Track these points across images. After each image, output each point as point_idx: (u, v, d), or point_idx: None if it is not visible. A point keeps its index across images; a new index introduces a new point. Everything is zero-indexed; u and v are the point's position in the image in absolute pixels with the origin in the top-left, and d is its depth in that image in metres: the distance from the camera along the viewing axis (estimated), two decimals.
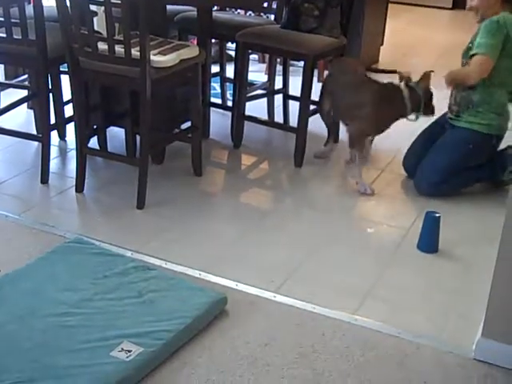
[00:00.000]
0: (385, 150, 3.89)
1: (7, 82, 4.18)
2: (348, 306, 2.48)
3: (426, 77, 3.39)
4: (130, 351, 2.08)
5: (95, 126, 3.58)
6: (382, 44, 5.73)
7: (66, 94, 3.62)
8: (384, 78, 3.76)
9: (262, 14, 4.52)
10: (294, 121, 3.87)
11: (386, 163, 3.75)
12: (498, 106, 3.32)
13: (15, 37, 3.05)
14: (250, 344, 2.27)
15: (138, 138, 3.46)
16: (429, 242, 2.88)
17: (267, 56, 4.92)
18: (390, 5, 5.77)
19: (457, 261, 2.84)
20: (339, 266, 2.78)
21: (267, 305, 2.48)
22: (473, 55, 3.21)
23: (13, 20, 3.02)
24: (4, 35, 3.07)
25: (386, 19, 5.69)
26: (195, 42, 3.99)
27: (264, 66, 5.22)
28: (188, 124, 3.54)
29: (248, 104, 3.82)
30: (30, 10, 3.04)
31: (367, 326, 2.38)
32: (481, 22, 3.25)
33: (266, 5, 4.30)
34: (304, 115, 3.59)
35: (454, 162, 3.34)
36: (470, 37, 3.34)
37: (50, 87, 3.42)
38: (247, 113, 3.81)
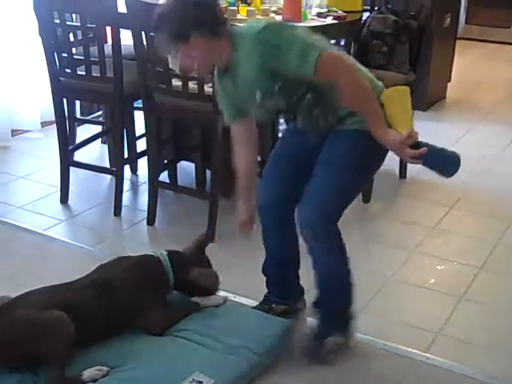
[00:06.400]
0: (453, 186, 3.83)
1: (83, 117, 4.33)
2: (419, 344, 2.44)
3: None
4: (201, 382, 2.10)
5: (166, 161, 3.67)
6: (449, 80, 5.69)
7: (138, 130, 3.74)
8: None
9: None
10: None
11: (454, 200, 3.69)
12: None
13: (94, 74, 3.18)
14: (318, 381, 2.25)
15: (207, 172, 3.53)
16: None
17: None
18: (457, 41, 5.74)
19: None
20: (409, 302, 2.74)
21: None
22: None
23: (92, 58, 3.15)
24: (83, 73, 3.20)
25: (453, 55, 5.66)
26: None
27: None
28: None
29: None
30: (107, 48, 3.17)
31: (440, 364, 2.34)
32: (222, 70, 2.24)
33: (333, 42, 4.35)
34: None
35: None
36: None
37: (124, 123, 3.53)
38: None
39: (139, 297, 2.33)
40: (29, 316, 2.13)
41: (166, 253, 2.48)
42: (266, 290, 2.60)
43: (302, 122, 2.29)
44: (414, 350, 2.41)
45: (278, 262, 2.51)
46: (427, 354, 2.39)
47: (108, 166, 3.89)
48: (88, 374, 2.11)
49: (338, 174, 2.21)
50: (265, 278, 2.58)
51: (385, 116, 2.11)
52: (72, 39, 3.38)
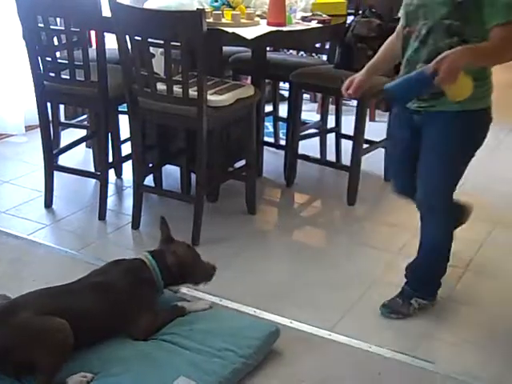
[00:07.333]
0: None
1: (67, 122, 4.31)
2: (405, 346, 2.45)
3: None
4: None
5: (151, 164, 3.66)
6: None
7: (123, 134, 3.73)
8: None
9: (314, 54, 4.58)
10: (346, 159, 3.89)
11: None
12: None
13: (78, 78, 3.17)
14: (304, 383, 2.26)
15: (192, 175, 3.53)
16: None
17: (319, 95, 4.98)
18: None
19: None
20: None
21: (322, 343, 2.48)
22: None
23: (76, 62, 3.14)
24: (68, 77, 3.19)
25: None
26: (247, 81, 4.06)
27: (316, 106, 5.27)
28: (241, 162, 3.59)
29: (300, 143, 3.86)
30: (92, 52, 3.15)
31: (426, 366, 2.34)
32: None
33: (318, 45, 4.37)
34: (357, 153, 3.61)
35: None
36: None
37: (109, 127, 3.52)
38: (300, 151, 3.84)
39: (130, 302, 2.33)
40: (31, 323, 2.09)
41: (150, 254, 2.49)
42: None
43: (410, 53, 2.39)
44: (400, 352, 2.41)
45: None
46: (413, 356, 2.40)
47: (92, 170, 3.88)
48: (72, 381, 2.10)
49: (441, 158, 2.41)
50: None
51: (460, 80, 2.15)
52: (56, 43, 3.37)
